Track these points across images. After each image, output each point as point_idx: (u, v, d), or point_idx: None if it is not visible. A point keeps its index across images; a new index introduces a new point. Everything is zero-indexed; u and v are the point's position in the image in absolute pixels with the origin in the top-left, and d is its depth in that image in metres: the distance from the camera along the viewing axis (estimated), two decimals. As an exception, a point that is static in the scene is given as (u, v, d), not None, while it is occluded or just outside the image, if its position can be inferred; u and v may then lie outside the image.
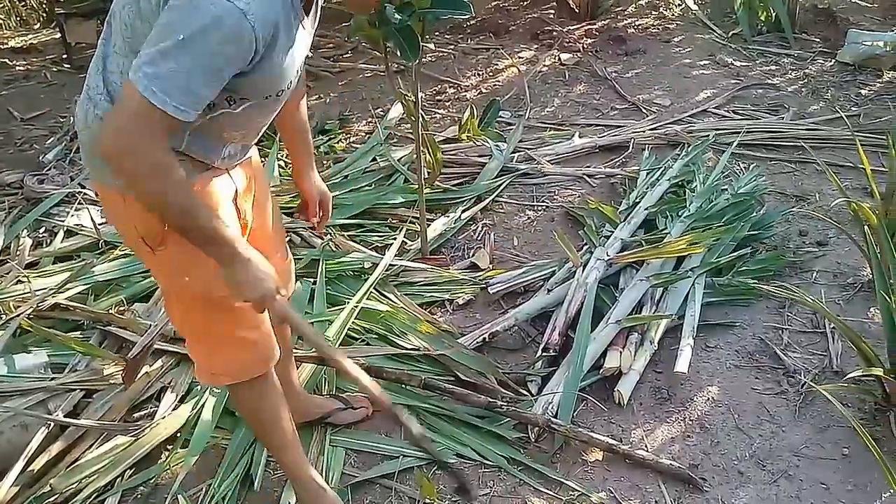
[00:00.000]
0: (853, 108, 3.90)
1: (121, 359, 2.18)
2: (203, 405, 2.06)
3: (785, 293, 2.34)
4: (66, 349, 2.23)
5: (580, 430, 1.97)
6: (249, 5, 1.13)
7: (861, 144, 3.29)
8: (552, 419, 1.97)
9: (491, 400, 2.04)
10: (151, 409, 2.11)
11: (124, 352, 2.24)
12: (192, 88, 1.15)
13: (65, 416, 1.99)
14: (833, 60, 4.58)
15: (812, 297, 2.41)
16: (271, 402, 1.66)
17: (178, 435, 2.02)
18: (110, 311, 2.38)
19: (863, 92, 4.15)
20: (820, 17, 5.27)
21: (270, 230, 1.70)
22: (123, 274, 2.57)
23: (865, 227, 2.36)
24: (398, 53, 2.33)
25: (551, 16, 5.49)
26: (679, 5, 5.49)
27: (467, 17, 2.15)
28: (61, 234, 2.89)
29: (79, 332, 2.34)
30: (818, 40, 4.96)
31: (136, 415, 2.10)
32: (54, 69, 5.14)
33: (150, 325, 2.22)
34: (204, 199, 1.35)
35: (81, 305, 2.41)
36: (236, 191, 1.49)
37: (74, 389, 2.09)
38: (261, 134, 1.51)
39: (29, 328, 2.28)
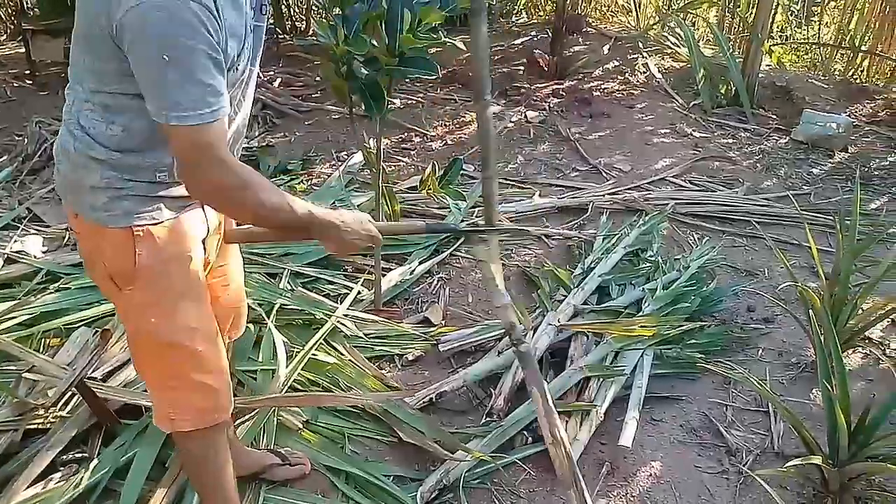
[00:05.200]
0: (805, 187, 4.02)
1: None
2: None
3: (730, 373, 2.36)
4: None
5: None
6: None
7: (810, 224, 3.40)
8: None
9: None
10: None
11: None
12: (202, 82, 1.16)
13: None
14: (788, 137, 4.74)
15: (757, 375, 2.45)
16: (220, 457, 1.62)
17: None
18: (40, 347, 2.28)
19: (814, 171, 4.30)
20: (777, 95, 5.47)
21: (234, 269, 1.69)
22: (63, 307, 2.48)
23: (810, 311, 2.42)
24: (363, 106, 2.34)
25: (521, 72, 5.60)
26: (644, 73, 5.64)
27: (434, 76, 2.18)
28: (1, 260, 2.78)
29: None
30: (775, 117, 5.13)
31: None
32: (15, 84, 5.03)
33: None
34: (175, 242, 1.37)
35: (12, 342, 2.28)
36: (207, 229, 1.48)
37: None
38: (237, 144, 1.45)
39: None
